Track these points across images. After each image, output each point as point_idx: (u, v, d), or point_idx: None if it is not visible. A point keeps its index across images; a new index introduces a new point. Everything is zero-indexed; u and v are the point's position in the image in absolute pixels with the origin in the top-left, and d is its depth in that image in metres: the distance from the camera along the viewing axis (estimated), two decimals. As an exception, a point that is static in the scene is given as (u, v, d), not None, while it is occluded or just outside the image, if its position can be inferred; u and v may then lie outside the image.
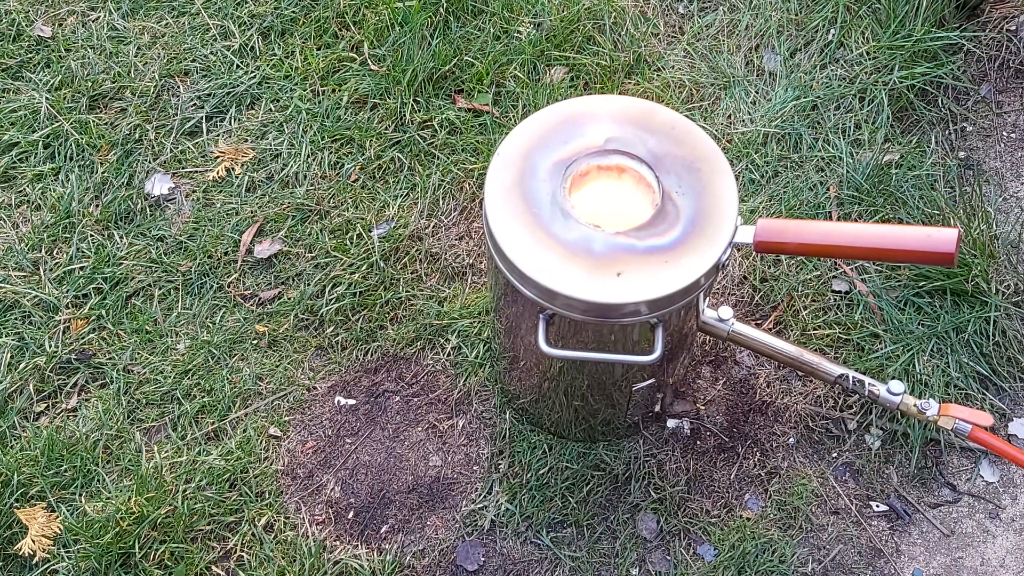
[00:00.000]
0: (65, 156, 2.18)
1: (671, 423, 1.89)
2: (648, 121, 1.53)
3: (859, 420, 1.88)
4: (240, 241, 2.07)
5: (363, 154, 2.16)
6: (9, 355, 1.94)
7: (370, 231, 2.07)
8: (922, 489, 1.84)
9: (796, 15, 2.30)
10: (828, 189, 2.09)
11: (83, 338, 1.96)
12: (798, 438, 1.88)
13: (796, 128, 2.15)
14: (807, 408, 1.90)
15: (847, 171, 2.09)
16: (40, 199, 2.13)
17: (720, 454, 1.87)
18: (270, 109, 2.24)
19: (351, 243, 2.05)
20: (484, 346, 1.94)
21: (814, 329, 1.94)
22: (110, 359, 1.94)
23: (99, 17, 2.38)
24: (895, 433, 1.87)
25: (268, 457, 1.85)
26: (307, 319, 1.99)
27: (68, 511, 1.77)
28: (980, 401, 1.88)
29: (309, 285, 2.01)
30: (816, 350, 1.91)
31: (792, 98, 2.18)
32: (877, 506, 1.82)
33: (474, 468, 1.85)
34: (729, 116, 2.19)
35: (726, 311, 1.67)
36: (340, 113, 2.21)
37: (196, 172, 2.17)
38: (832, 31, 2.26)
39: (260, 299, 2.02)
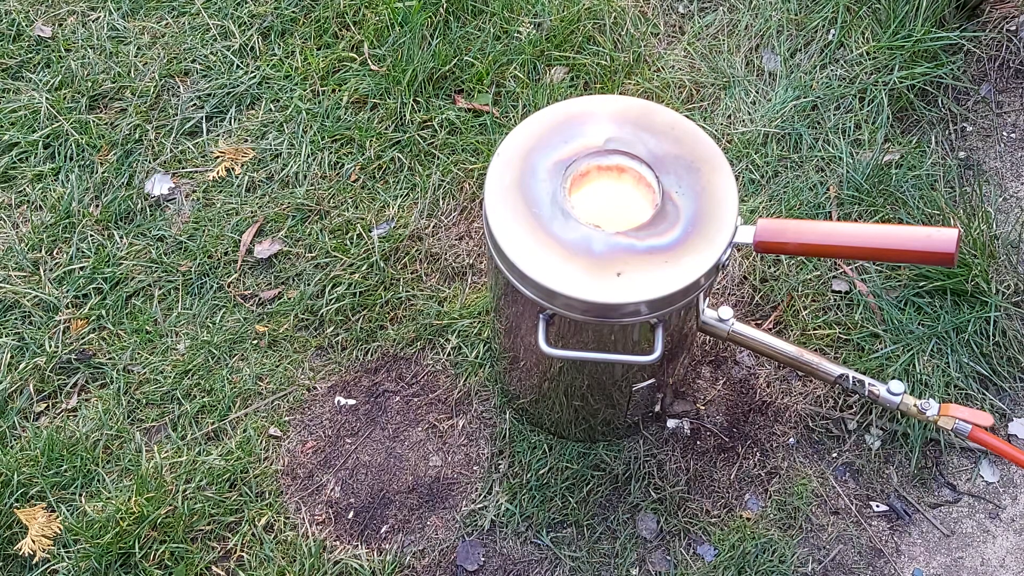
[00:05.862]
0: (65, 156, 2.18)
1: (671, 423, 1.89)
2: (648, 121, 1.53)
3: (859, 420, 1.88)
4: (240, 241, 2.07)
5: (363, 154, 2.16)
6: (9, 355, 1.94)
7: (370, 231, 2.07)
8: (922, 489, 1.84)
9: (796, 15, 2.30)
10: (828, 189, 2.09)
11: (83, 338, 1.96)
12: (798, 438, 1.88)
13: (796, 128, 2.15)
14: (807, 408, 1.90)
15: (847, 171, 2.09)
16: (40, 199, 2.13)
17: (720, 454, 1.87)
18: (270, 109, 2.24)
19: (351, 243, 2.05)
20: (484, 346, 1.94)
21: (814, 329, 1.94)
22: (110, 359, 1.94)
23: (99, 17, 2.38)
24: (895, 433, 1.87)
25: (268, 457, 1.85)
26: (307, 319, 1.99)
27: (68, 511, 1.77)
28: (980, 401, 1.88)
29: (309, 285, 2.01)
30: (816, 350, 1.91)
31: (792, 98, 2.18)
32: (877, 506, 1.82)
33: (474, 468, 1.85)
34: (729, 116, 2.19)
35: (726, 311, 1.67)
36: (340, 113, 2.21)
37: (196, 172, 2.17)
38: (832, 31, 2.26)
39: (260, 299, 2.02)
